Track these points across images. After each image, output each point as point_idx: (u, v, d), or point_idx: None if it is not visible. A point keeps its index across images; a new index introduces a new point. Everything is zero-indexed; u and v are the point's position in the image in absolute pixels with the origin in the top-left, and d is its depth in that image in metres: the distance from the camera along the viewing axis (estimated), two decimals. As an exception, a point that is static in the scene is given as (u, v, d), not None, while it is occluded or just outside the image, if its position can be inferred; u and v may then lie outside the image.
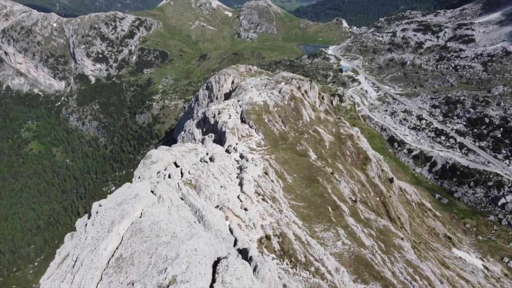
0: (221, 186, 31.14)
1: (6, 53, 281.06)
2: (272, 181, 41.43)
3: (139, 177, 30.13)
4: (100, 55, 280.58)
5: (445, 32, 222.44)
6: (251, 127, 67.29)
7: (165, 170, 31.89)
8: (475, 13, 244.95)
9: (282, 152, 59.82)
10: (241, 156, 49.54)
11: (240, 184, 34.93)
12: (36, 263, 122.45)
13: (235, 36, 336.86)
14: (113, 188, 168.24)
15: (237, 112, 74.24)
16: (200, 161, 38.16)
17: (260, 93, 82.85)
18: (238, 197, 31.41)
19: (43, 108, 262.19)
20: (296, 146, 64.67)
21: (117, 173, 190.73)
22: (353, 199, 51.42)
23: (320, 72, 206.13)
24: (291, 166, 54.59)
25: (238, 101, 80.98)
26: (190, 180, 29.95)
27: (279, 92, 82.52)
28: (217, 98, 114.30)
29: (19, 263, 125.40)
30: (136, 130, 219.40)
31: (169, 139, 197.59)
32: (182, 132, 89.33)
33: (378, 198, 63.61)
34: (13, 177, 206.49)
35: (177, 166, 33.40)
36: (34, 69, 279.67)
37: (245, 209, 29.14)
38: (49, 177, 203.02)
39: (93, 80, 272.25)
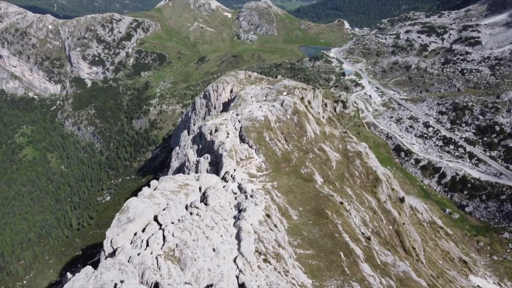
0: (214, 249, 25.33)
1: (0, 56, 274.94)
2: (275, 225, 35.58)
3: (111, 242, 24.34)
4: (97, 58, 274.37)
5: (450, 34, 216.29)
6: (251, 147, 61.36)
7: (143, 231, 26.08)
8: (481, 14, 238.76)
9: (285, 177, 53.91)
10: (240, 188, 43.63)
11: (238, 238, 29.14)
12: (25, 281, 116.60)
13: (235, 38, 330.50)
14: (108, 198, 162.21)
15: (235, 128, 68.33)
16: (190, 205, 32.27)
17: (260, 106, 76.88)
18: (235, 260, 25.65)
19: (38, 112, 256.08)
20: (301, 169, 58.77)
21: (112, 181, 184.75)
22: (366, 235, 45.59)
23: (322, 76, 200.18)
24: (296, 196, 48.69)
25: (237, 115, 75.07)
26: (173, 251, 24.07)
27: (281, 105, 76.61)
28: (215, 108, 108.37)
29: (8, 280, 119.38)
30: (133, 136, 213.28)
31: (167, 146, 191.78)
32: (177, 148, 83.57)
33: (391, 227, 57.75)
34: (6, 184, 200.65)
35: (159, 223, 27.63)
36: (29, 72, 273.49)
37: (243, 286, 23.31)
38: (43, 184, 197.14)
39: (89, 83, 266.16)
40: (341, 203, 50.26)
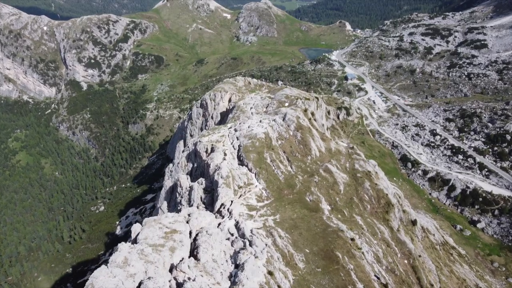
0: None
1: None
2: (279, 286, 29.87)
3: None
4: (92, 60, 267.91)
5: (455, 37, 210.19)
6: (250, 170, 55.45)
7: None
8: (486, 16, 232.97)
9: (289, 208, 48.05)
10: (237, 227, 37.75)
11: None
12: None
13: (234, 40, 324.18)
14: (102, 208, 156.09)
15: (233, 147, 62.39)
16: (176, 268, 26.48)
17: (260, 121, 70.93)
18: None
19: (32, 116, 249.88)
20: (306, 196, 52.89)
21: (107, 189, 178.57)
22: (383, 281, 39.80)
23: (323, 80, 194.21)
24: (302, 233, 42.84)
25: (235, 130, 69.11)
26: None
27: (283, 119, 70.68)
28: (212, 118, 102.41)
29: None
30: (129, 141, 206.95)
31: (163, 152, 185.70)
32: (171, 165, 77.69)
33: (406, 261, 51.90)
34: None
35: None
36: (23, 74, 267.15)
37: None
38: (36, 192, 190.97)
39: (84, 86, 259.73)
40: (352, 239, 44.40)
